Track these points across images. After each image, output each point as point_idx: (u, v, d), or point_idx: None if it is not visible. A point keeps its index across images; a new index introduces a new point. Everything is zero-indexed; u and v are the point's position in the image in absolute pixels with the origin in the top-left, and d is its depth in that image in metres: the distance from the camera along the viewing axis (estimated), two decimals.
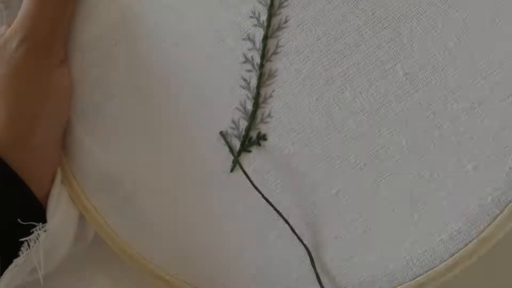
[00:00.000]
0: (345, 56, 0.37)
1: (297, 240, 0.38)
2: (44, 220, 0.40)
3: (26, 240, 0.39)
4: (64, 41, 0.40)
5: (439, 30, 0.35)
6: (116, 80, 0.40)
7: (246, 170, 0.39)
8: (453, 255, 0.36)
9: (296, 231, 0.38)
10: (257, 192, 0.38)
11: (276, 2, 0.38)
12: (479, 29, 0.35)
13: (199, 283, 0.41)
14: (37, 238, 0.39)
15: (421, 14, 0.35)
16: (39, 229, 0.40)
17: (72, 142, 0.41)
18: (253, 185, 0.37)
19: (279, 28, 0.38)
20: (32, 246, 0.39)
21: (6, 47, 0.39)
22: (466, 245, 0.36)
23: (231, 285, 0.40)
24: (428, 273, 0.37)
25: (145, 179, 0.41)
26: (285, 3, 0.38)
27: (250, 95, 0.39)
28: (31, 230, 0.39)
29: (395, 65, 0.36)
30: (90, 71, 0.41)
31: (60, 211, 0.41)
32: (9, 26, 0.42)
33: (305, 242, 0.38)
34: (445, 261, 0.36)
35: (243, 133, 0.39)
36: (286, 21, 0.38)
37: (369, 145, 0.37)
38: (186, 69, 0.39)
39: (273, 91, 0.38)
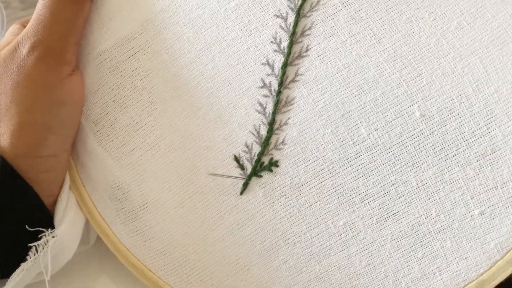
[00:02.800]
0: (363, 91, 0.37)
1: (303, 267, 0.39)
2: (51, 226, 0.40)
3: (35, 245, 0.39)
4: (77, 50, 0.39)
5: (459, 75, 0.36)
6: (131, 92, 0.40)
7: (256, 195, 0.39)
8: None
9: (300, 259, 0.39)
10: (266, 215, 0.39)
11: (299, 30, 0.38)
12: (499, 78, 0.35)
13: None
14: (46, 244, 0.39)
15: (442, 58, 0.36)
16: (48, 235, 0.39)
17: (84, 150, 0.41)
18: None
19: (300, 56, 0.38)
20: (40, 251, 0.39)
21: (17, 50, 0.38)
22: (466, 285, 0.37)
23: None
24: None
25: (154, 194, 0.41)
26: (307, 32, 0.38)
27: (265, 121, 0.39)
28: (39, 236, 0.39)
29: (412, 105, 0.37)
30: (105, 81, 0.40)
31: (68, 217, 0.41)
32: (24, 27, 0.41)
33: (308, 274, 0.39)
34: None
35: (256, 157, 0.39)
36: (307, 50, 0.38)
37: (379, 182, 0.37)
38: (203, 87, 0.39)
39: (289, 118, 0.38)
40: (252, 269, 0.40)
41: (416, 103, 0.37)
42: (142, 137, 0.40)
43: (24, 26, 0.42)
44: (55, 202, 0.41)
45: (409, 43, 0.36)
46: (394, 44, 0.37)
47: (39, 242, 0.39)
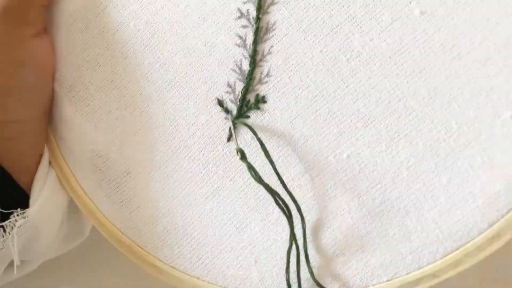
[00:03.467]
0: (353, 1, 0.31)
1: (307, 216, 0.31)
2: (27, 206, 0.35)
3: (2, 226, 0.34)
4: (43, 12, 0.36)
5: None
6: (104, 50, 0.36)
7: (244, 139, 0.34)
8: (493, 224, 0.29)
9: (302, 204, 0.32)
10: (258, 161, 0.34)
11: None
12: None
13: (197, 270, 0.35)
14: (14, 225, 0.35)
15: None
16: (18, 215, 0.35)
17: (62, 121, 0.37)
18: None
19: None
20: (9, 233, 0.34)
21: None
22: (509, 211, 0.28)
23: (231, 269, 0.34)
24: (462, 248, 0.29)
25: (136, 157, 0.36)
26: None
27: (246, 54, 0.34)
28: (10, 216, 0.35)
29: (410, 3, 0.31)
30: (77, 43, 0.37)
31: (43, 197, 0.37)
32: None
33: (310, 216, 0.31)
34: (483, 232, 0.29)
35: (240, 96, 0.34)
36: None
37: (383, 99, 0.31)
38: (176, 31, 0.35)
39: (272, 46, 0.33)
40: (249, 226, 0.34)
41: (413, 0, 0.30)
42: (118, 96, 0.36)
43: None
44: (32, 180, 0.36)
45: None
46: None
47: (6, 222, 0.34)
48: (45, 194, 0.37)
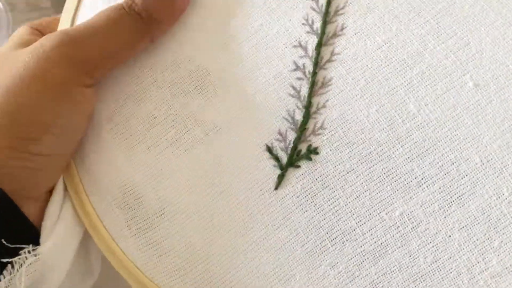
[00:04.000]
0: (408, 66, 0.34)
1: (356, 272, 0.32)
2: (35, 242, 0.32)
3: (10, 262, 0.31)
4: (107, 72, 0.35)
5: (510, 40, 0.32)
6: (150, 85, 0.35)
7: (294, 189, 0.33)
8: None
9: (351, 261, 0.32)
10: (307, 212, 0.33)
11: (332, 9, 0.35)
12: None
13: None
14: (24, 262, 0.32)
15: (490, 25, 0.33)
16: (29, 252, 0.32)
17: (93, 151, 0.35)
18: None
19: (335, 35, 0.35)
20: (17, 270, 0.31)
21: (38, 43, 0.34)
22: None
23: None
24: None
25: (173, 198, 0.34)
26: (341, 11, 0.35)
27: (300, 105, 0.34)
28: (19, 252, 0.32)
29: (464, 75, 0.33)
30: (122, 76, 0.36)
31: (57, 233, 0.34)
32: (34, 29, 0.37)
33: (363, 279, 0.31)
34: None
35: (291, 145, 0.34)
36: (342, 29, 0.35)
37: (436, 162, 0.32)
38: (231, 75, 0.35)
39: (327, 100, 0.34)
40: (293, 279, 0.33)
41: (468, 72, 0.33)
42: (160, 132, 0.35)
43: (34, 29, 0.39)
44: (41, 215, 0.34)
45: (452, 13, 0.34)
46: (435, 15, 0.34)
47: (15, 258, 0.31)
48: (59, 231, 0.34)
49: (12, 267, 0.32)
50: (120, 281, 0.35)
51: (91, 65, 0.34)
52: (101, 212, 0.35)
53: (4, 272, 0.32)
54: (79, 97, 0.34)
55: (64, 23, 0.37)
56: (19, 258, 0.32)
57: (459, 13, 0.34)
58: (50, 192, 0.36)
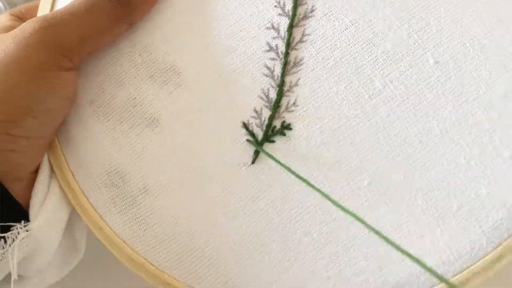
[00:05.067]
0: (374, 45, 0.36)
1: (326, 238, 0.35)
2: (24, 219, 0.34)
3: (3, 237, 0.33)
4: (86, 56, 0.37)
5: (467, 20, 0.35)
6: (130, 68, 0.37)
7: (269, 162, 0.36)
8: (497, 247, 0.33)
9: (324, 229, 0.35)
10: (280, 186, 0.36)
11: None
12: (508, 18, 0.35)
13: None
14: (16, 237, 0.34)
15: (449, 5, 0.35)
16: (20, 228, 0.34)
17: (78, 134, 0.37)
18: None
19: (305, 17, 0.37)
20: (10, 245, 0.33)
21: (20, 28, 0.35)
22: (510, 235, 0.33)
23: None
24: (470, 268, 0.34)
25: (155, 175, 0.36)
26: None
27: (273, 83, 0.36)
28: (11, 228, 0.34)
29: (425, 53, 0.36)
30: (102, 59, 0.38)
31: (46, 211, 0.36)
32: (15, 16, 0.38)
33: (335, 245, 0.34)
34: (488, 254, 0.33)
35: (266, 122, 0.36)
36: (312, 11, 0.37)
37: (401, 134, 0.35)
38: (208, 57, 0.37)
39: (299, 79, 0.36)
40: (270, 247, 0.35)
41: (429, 51, 0.36)
42: (140, 112, 0.37)
43: (16, 16, 0.40)
44: (28, 195, 0.35)
45: None
46: None
47: (8, 233, 0.33)
48: (48, 208, 0.36)
49: (5, 242, 0.34)
50: (109, 257, 0.37)
51: (69, 48, 0.35)
52: (87, 190, 0.37)
53: None
54: (57, 80, 0.35)
55: (43, 9, 0.39)
56: (11, 233, 0.34)
57: None
58: (36, 171, 0.37)
